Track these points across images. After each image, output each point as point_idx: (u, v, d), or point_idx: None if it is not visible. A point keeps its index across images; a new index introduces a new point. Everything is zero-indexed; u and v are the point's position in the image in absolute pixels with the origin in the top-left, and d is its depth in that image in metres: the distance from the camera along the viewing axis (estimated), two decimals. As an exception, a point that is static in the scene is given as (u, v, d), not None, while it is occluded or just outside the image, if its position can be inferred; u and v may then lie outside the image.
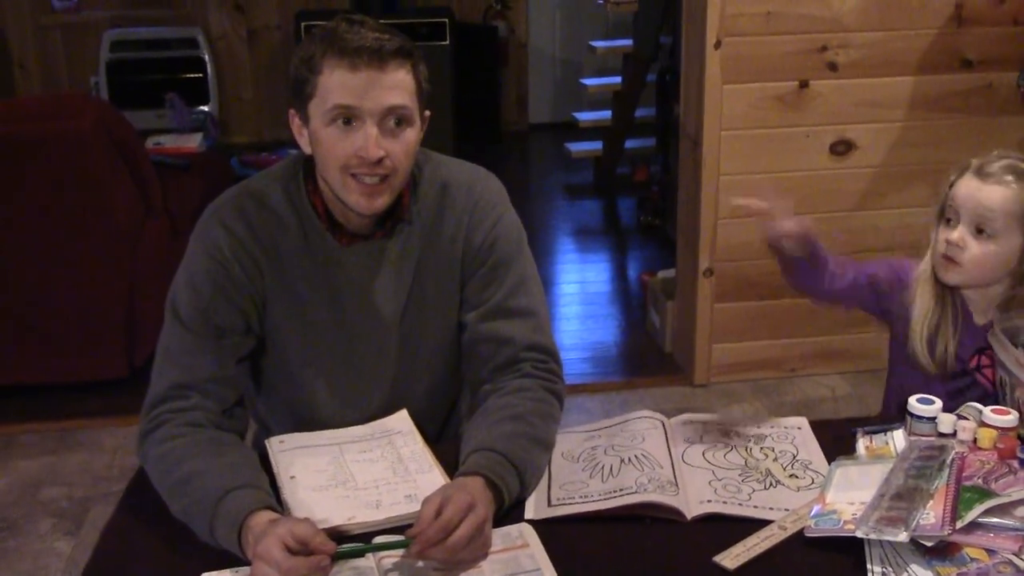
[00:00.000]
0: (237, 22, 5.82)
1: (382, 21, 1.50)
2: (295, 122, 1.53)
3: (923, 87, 3.22)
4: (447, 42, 5.15)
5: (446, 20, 5.18)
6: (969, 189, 1.69)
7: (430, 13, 5.28)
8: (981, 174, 1.69)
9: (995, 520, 1.31)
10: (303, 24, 4.95)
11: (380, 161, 1.46)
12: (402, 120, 1.48)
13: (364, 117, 1.45)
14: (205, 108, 5.31)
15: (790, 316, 3.37)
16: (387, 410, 1.62)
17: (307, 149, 1.53)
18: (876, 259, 1.89)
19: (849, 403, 3.23)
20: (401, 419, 1.61)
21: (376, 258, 1.60)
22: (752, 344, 3.39)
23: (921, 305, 1.74)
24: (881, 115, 3.23)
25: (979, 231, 1.68)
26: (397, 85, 1.46)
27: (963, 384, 1.74)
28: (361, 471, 1.48)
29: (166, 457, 1.43)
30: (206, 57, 5.50)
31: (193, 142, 4.17)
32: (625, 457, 1.50)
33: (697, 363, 3.38)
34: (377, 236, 1.59)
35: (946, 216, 1.72)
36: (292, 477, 1.46)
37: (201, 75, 5.48)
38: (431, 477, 1.45)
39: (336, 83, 1.44)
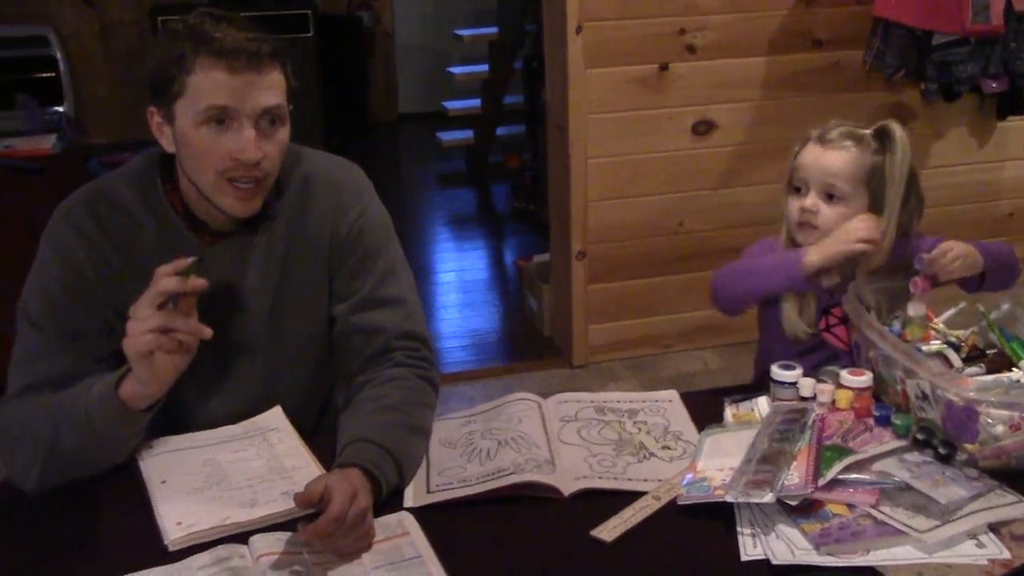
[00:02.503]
0: (89, 18, 5.60)
1: (244, 13, 1.48)
2: (155, 119, 1.49)
3: (777, 67, 3.34)
4: (310, 34, 5.07)
5: (309, 11, 5.10)
6: (813, 156, 1.78)
7: (292, 4, 5.18)
8: (822, 141, 1.78)
9: (853, 476, 1.37)
10: (159, 19, 4.80)
11: (258, 163, 1.45)
12: (276, 119, 1.47)
13: (240, 119, 1.43)
14: (59, 108, 5.09)
15: (663, 294, 3.46)
16: (260, 407, 1.59)
17: (169, 148, 1.49)
18: (746, 248, 1.92)
19: (722, 375, 3.33)
20: (275, 416, 1.58)
21: (241, 256, 1.57)
22: (627, 323, 3.47)
23: None
24: (739, 95, 3.33)
25: (828, 196, 1.76)
26: (273, 86, 1.45)
27: (812, 344, 1.82)
28: (235, 471, 1.45)
29: (20, 417, 1.43)
30: (58, 55, 5.28)
31: (47, 143, 3.98)
32: (502, 440, 1.51)
33: (575, 345, 3.43)
34: (241, 233, 1.56)
35: (795, 185, 1.80)
36: (163, 482, 1.42)
37: (53, 74, 5.25)
38: (307, 472, 1.43)
39: (211, 84, 1.41)
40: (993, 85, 3.34)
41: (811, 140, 1.80)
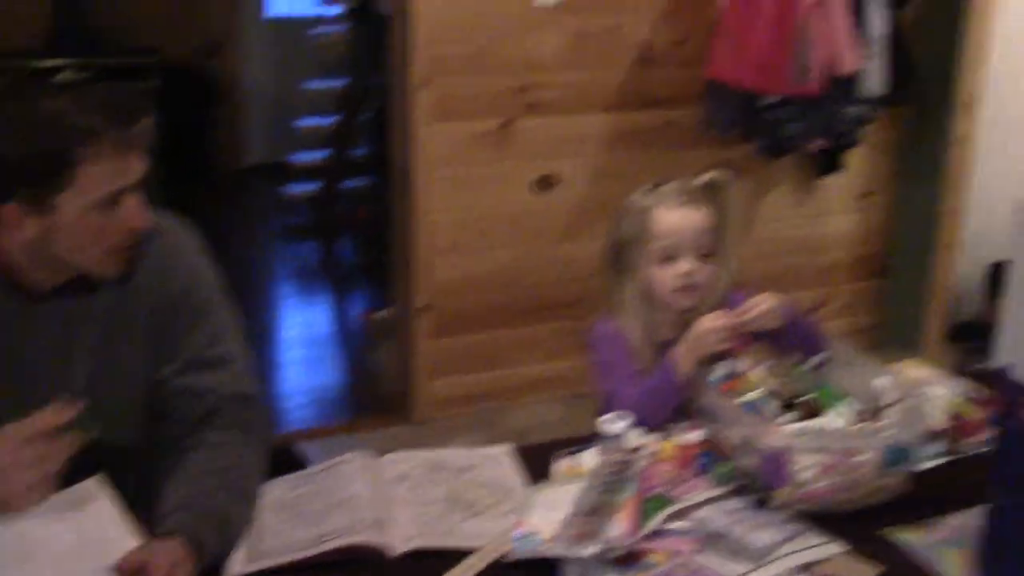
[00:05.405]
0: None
1: (89, 60, 1.45)
2: (13, 215, 1.38)
3: (617, 123, 3.44)
4: (155, 84, 4.96)
5: (154, 60, 4.99)
6: (675, 221, 1.75)
7: (136, 53, 5.06)
8: (676, 203, 1.76)
9: (676, 525, 1.41)
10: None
11: None
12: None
13: (131, 191, 1.41)
14: None
15: (505, 347, 3.49)
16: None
17: (23, 238, 1.40)
18: (598, 357, 1.88)
19: (563, 427, 3.36)
20: (93, 485, 1.51)
21: (62, 319, 1.51)
22: (470, 377, 3.48)
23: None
24: (580, 150, 3.42)
25: (701, 255, 1.76)
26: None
27: None
28: (46, 544, 1.38)
29: None
30: None
31: None
32: (332, 501, 1.49)
33: (417, 400, 3.41)
34: (62, 296, 1.50)
35: (667, 256, 1.75)
36: (-35, 559, 1.34)
37: None
38: (126, 545, 1.37)
39: (114, 169, 1.38)
40: (816, 144, 3.53)
41: (652, 207, 1.76)
